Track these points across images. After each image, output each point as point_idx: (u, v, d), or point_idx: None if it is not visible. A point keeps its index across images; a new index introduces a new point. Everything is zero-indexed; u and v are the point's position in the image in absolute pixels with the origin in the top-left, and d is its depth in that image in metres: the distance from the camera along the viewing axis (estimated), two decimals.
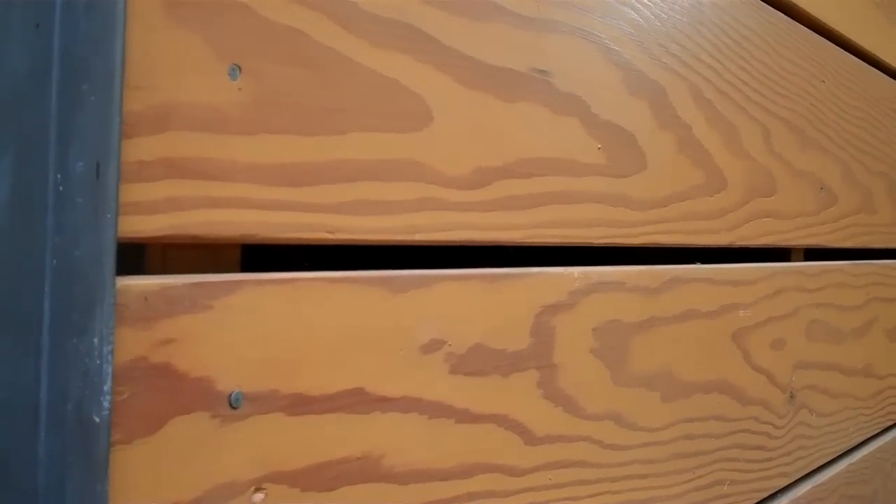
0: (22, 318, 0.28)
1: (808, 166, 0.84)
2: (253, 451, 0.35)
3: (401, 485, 0.42)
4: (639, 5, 0.59)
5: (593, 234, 0.55)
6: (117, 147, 0.30)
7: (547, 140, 0.51)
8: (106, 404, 0.29)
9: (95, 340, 0.29)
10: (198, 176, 0.34)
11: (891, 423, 1.09)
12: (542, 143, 0.50)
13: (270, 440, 0.36)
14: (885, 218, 1.04)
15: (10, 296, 0.29)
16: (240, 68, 0.35)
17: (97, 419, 0.29)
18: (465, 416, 0.45)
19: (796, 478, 0.83)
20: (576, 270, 0.53)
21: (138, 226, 0.32)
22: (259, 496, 0.36)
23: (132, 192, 0.31)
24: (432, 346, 0.43)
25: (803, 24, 0.82)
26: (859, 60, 0.96)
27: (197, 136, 0.33)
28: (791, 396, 0.81)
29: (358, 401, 0.40)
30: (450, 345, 0.44)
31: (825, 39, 0.87)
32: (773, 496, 0.79)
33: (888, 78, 1.05)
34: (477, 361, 0.46)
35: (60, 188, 0.28)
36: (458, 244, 0.45)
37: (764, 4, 0.75)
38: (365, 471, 0.40)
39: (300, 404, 0.37)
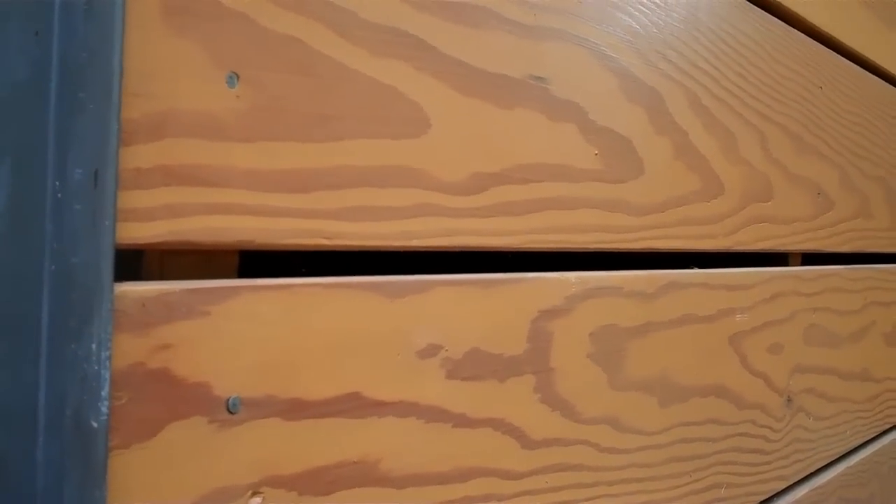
0: (21, 323, 0.28)
1: (805, 171, 0.84)
2: (250, 456, 0.36)
3: (397, 489, 0.42)
4: (636, 12, 0.59)
5: (590, 240, 0.55)
6: (115, 154, 0.30)
7: (544, 146, 0.51)
8: (104, 409, 0.30)
9: (94, 346, 0.29)
10: (195, 183, 0.34)
11: (888, 426, 1.09)
12: (539, 150, 0.50)
13: (268, 445, 0.36)
14: (882, 222, 1.04)
15: (9, 302, 0.29)
16: (237, 76, 0.35)
17: (95, 424, 0.29)
18: (462, 421, 0.46)
19: (794, 481, 0.83)
20: (572, 276, 0.53)
21: (136, 232, 0.32)
22: (256, 500, 0.36)
23: (130, 199, 0.32)
24: (429, 351, 0.44)
25: (800, 31, 0.83)
26: (856, 66, 0.96)
27: (195, 143, 0.34)
28: (788, 400, 0.81)
29: (355, 405, 0.40)
30: (446, 350, 0.44)
31: (822, 45, 0.88)
32: (771, 499, 0.79)
33: (885, 83, 1.05)
34: (474, 366, 0.46)
35: (59, 195, 0.29)
36: (455, 250, 0.45)
37: (761, 11, 0.75)
38: (362, 475, 0.40)
39: (297, 409, 0.37)
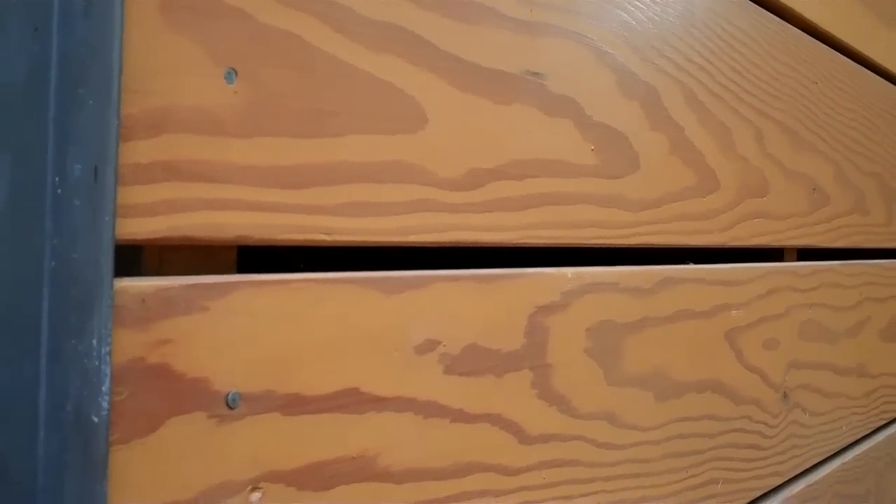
0: (21, 319, 0.29)
1: (801, 167, 0.84)
2: (250, 451, 0.36)
3: (396, 484, 0.42)
4: (631, 8, 0.59)
5: (586, 235, 0.55)
6: (115, 150, 0.30)
7: (540, 142, 0.51)
8: (104, 405, 0.30)
9: (94, 341, 0.29)
10: (194, 178, 0.34)
11: (883, 422, 1.09)
12: (535, 145, 0.51)
13: (267, 440, 0.36)
14: (877, 218, 1.04)
15: (9, 297, 0.29)
16: (236, 72, 0.35)
17: (96, 419, 0.29)
18: (460, 416, 0.46)
19: (789, 477, 0.84)
20: (569, 271, 0.54)
21: (135, 228, 0.32)
22: (256, 495, 0.36)
23: (129, 195, 0.32)
24: (427, 347, 0.44)
25: (795, 26, 0.83)
26: (852, 62, 0.96)
27: (193, 138, 0.34)
28: (784, 396, 0.81)
29: (353, 401, 0.40)
30: (444, 345, 0.45)
31: (817, 41, 0.88)
32: (767, 495, 0.80)
33: (880, 79, 1.06)
34: (471, 361, 0.46)
35: (58, 191, 0.29)
36: (452, 245, 0.46)
37: (756, 7, 0.76)
38: (360, 470, 0.40)
39: (296, 404, 0.37)
